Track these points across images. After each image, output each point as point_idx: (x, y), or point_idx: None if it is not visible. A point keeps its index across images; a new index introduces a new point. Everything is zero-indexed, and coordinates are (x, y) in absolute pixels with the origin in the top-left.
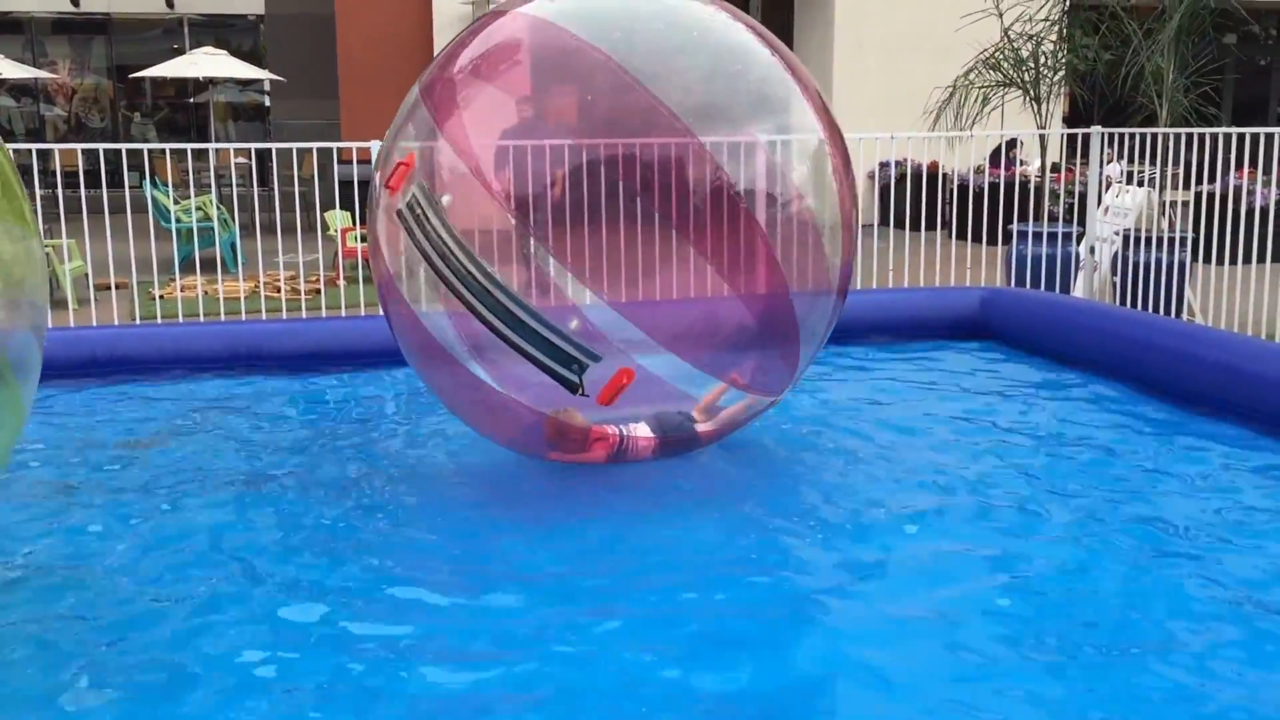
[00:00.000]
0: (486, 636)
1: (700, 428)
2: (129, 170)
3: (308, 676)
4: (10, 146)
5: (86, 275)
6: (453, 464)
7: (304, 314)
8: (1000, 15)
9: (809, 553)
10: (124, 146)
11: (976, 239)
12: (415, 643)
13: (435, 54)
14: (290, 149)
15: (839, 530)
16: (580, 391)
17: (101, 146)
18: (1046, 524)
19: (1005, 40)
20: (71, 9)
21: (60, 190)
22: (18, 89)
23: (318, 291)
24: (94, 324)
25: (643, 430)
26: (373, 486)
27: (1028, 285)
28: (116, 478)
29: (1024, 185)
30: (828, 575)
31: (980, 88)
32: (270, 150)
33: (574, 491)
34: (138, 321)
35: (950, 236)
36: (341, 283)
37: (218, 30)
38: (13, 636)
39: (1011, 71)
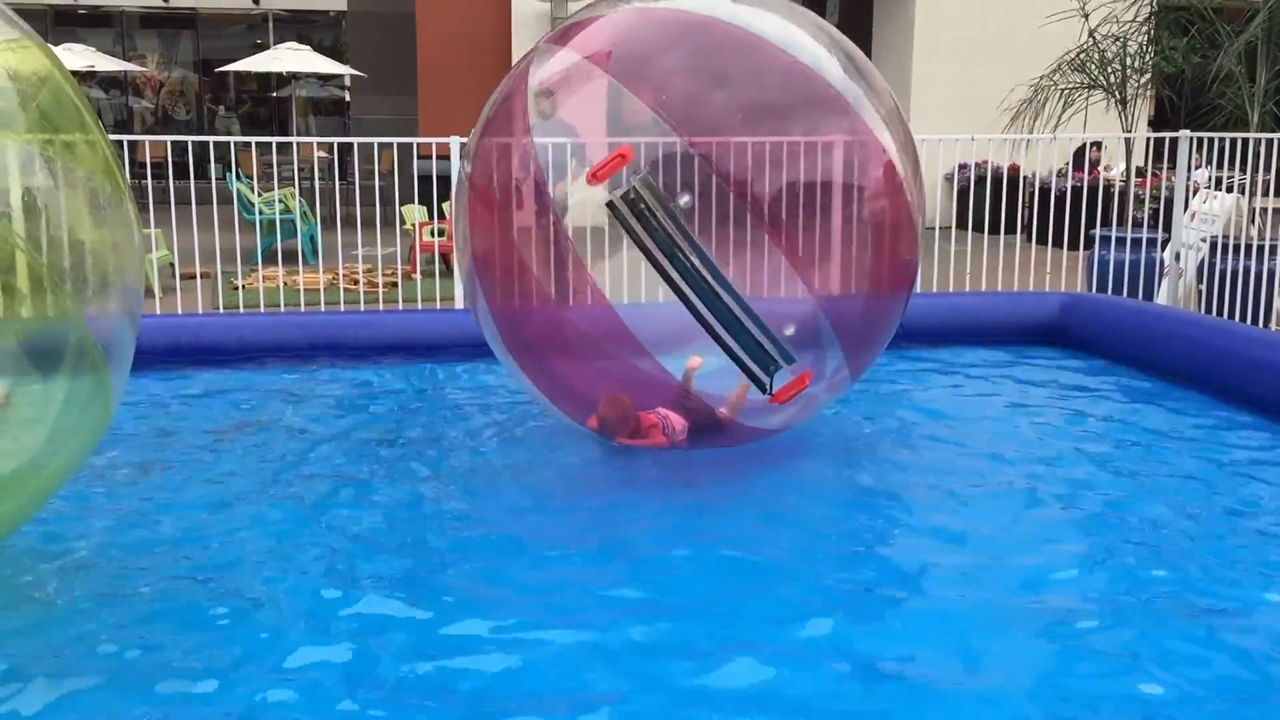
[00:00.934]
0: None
1: (721, 412)
2: (214, 163)
3: (390, 668)
4: None
5: (172, 265)
6: (537, 457)
7: (380, 306)
8: (1086, 16)
9: (887, 554)
10: (210, 139)
11: (1057, 243)
12: (505, 641)
13: (516, 57)
14: (370, 144)
15: (917, 533)
16: (768, 390)
17: (189, 139)
18: (1124, 532)
19: (1091, 41)
20: (160, 4)
21: (149, 181)
22: (107, 81)
23: (394, 284)
24: (179, 312)
25: (675, 414)
26: (452, 477)
27: (1109, 292)
28: (199, 466)
29: (1106, 189)
30: (905, 580)
31: (1063, 89)
32: (350, 145)
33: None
34: (220, 310)
35: (1030, 240)
36: (417, 276)
37: (300, 26)
38: (94, 621)
39: (1097, 73)
